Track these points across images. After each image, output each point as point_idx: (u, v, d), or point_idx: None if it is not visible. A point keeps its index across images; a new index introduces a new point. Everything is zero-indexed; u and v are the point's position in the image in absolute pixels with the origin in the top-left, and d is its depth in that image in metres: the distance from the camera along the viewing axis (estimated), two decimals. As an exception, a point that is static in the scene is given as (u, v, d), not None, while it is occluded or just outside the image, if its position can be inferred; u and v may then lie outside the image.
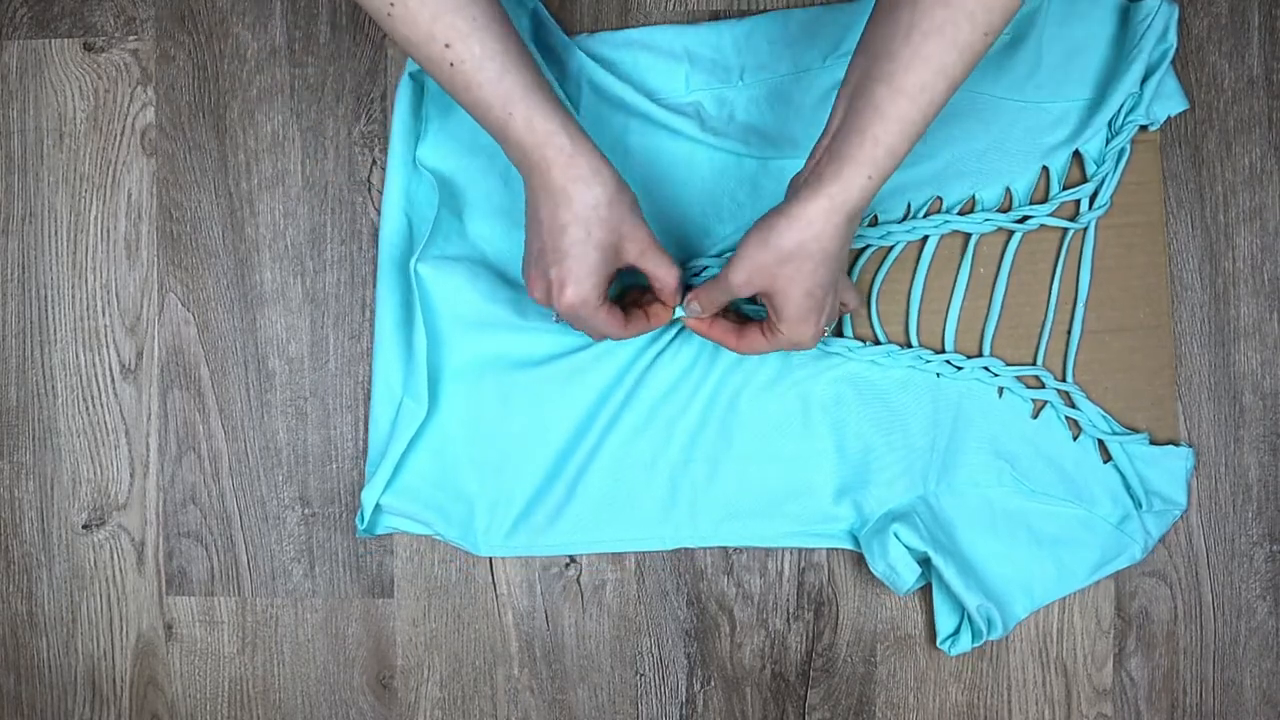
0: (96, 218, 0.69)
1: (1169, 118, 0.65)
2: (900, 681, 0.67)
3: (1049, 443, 0.65)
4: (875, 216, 0.66)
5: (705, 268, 0.62)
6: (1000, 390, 0.65)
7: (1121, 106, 0.63)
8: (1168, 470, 0.65)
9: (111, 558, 0.69)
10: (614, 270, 0.55)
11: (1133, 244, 0.65)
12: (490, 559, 0.68)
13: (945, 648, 0.64)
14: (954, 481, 0.65)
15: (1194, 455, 0.66)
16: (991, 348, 0.66)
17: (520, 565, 0.68)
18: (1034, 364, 0.65)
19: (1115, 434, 0.64)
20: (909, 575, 0.62)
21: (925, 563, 0.63)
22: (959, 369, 0.65)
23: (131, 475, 0.69)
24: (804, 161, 0.64)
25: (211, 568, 0.69)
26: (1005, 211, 0.65)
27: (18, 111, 0.69)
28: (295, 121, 0.68)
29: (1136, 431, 0.65)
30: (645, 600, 0.68)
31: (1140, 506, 0.64)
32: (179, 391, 0.69)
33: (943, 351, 0.65)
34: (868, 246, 0.65)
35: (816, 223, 0.50)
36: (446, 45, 0.50)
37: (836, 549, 0.67)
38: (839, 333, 0.66)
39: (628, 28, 0.67)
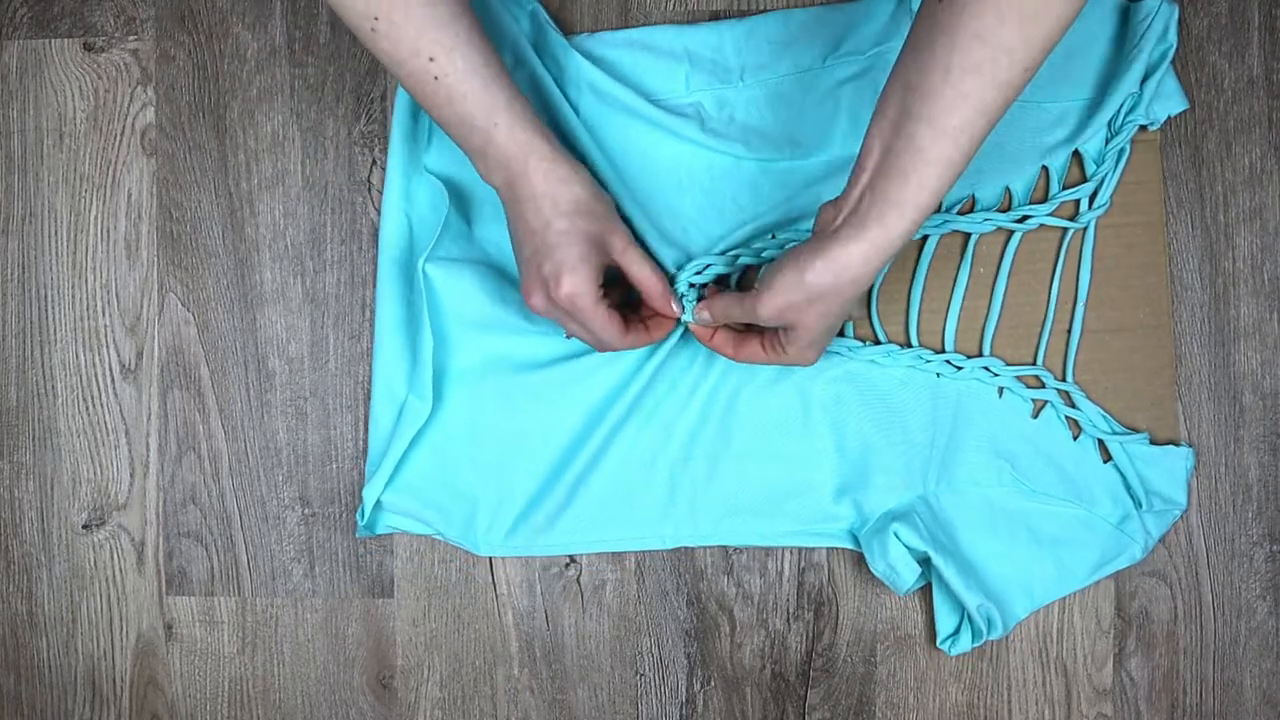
0: (96, 218, 0.69)
1: (1169, 117, 0.65)
2: (900, 681, 0.67)
3: (1049, 442, 0.65)
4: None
5: (708, 265, 0.62)
6: (1000, 390, 0.65)
7: (1121, 106, 0.63)
8: (1168, 470, 0.65)
9: (111, 558, 0.69)
10: (603, 264, 0.56)
11: (1132, 244, 0.65)
12: (490, 559, 0.68)
13: (945, 648, 0.64)
14: (954, 481, 0.65)
15: (1194, 455, 0.66)
16: (991, 347, 0.66)
17: (520, 565, 0.68)
18: (1034, 364, 0.65)
19: (1115, 434, 0.64)
20: (909, 575, 0.62)
21: (925, 562, 0.63)
22: (959, 369, 0.65)
23: (131, 475, 0.69)
24: (805, 161, 0.65)
25: (211, 568, 0.69)
26: (1004, 211, 0.65)
27: (18, 111, 0.69)
28: (295, 121, 0.68)
29: (1136, 431, 0.65)
30: (645, 600, 0.68)
31: (1140, 506, 0.65)
32: (179, 391, 0.69)
33: (942, 351, 0.66)
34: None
35: (855, 266, 0.49)
36: (431, 59, 0.51)
37: (836, 549, 0.67)
38: (840, 333, 0.66)
39: (628, 28, 0.67)
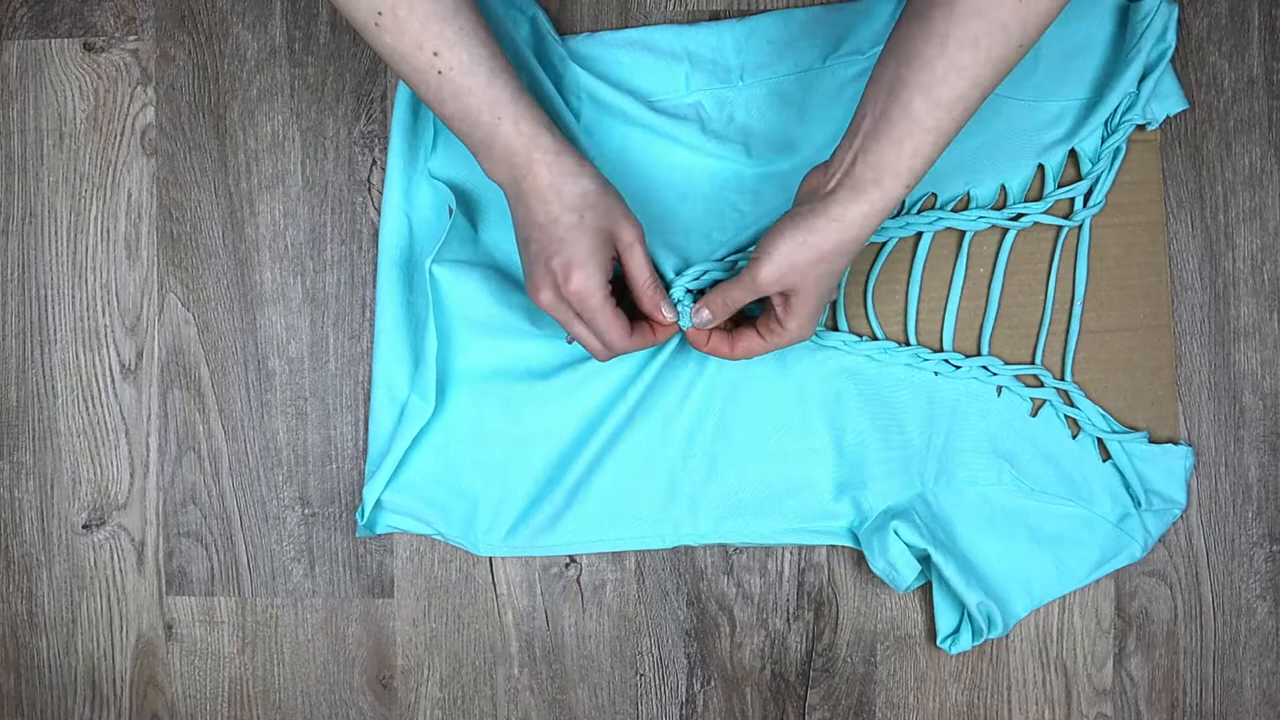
0: (96, 218, 0.69)
1: (1169, 117, 0.65)
2: (900, 681, 0.67)
3: (1048, 441, 0.65)
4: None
5: (706, 271, 0.62)
6: (999, 389, 0.65)
7: (1119, 105, 0.63)
8: (1167, 469, 0.65)
9: (111, 558, 0.69)
10: (612, 259, 0.55)
11: (1132, 243, 0.65)
12: (490, 559, 0.68)
13: (945, 646, 0.64)
14: (953, 480, 0.65)
15: (1193, 454, 0.66)
16: (990, 346, 0.66)
17: (520, 565, 0.68)
18: (1033, 363, 0.65)
19: (1114, 432, 0.64)
20: (909, 573, 0.62)
21: (925, 561, 0.63)
22: (957, 368, 0.65)
23: (131, 475, 0.69)
24: (806, 164, 0.65)
25: (211, 568, 0.69)
26: (999, 209, 0.65)
27: (18, 111, 0.69)
28: (295, 121, 0.68)
29: (1136, 430, 0.65)
30: (645, 600, 0.68)
31: (1139, 505, 0.65)
32: (179, 391, 0.69)
33: (940, 350, 0.66)
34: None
35: (856, 225, 0.51)
36: (435, 53, 0.50)
37: (836, 549, 0.67)
38: (833, 326, 0.66)
39: (627, 28, 0.67)
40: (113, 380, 0.69)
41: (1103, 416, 0.65)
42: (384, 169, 0.67)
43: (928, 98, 0.48)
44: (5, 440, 0.69)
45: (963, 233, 0.65)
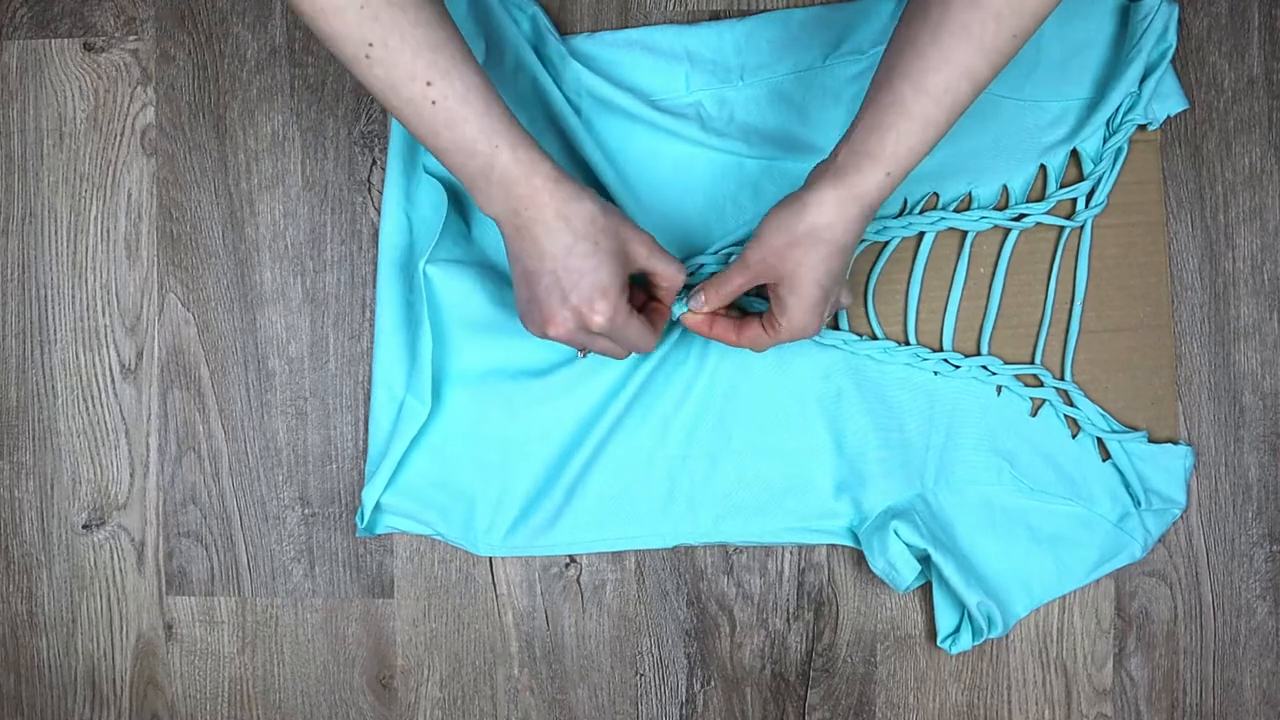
0: (96, 218, 0.69)
1: (1169, 117, 0.65)
2: (900, 681, 0.67)
3: (1048, 441, 0.65)
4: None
5: (701, 265, 0.62)
6: (998, 388, 0.65)
7: (1120, 106, 0.63)
8: (1167, 468, 0.65)
9: (111, 558, 0.69)
10: (628, 277, 0.55)
11: (1132, 243, 0.65)
12: (490, 559, 0.68)
13: (945, 646, 0.64)
14: (953, 479, 0.65)
15: (1193, 454, 0.66)
16: (990, 346, 0.66)
17: (520, 565, 0.68)
18: (1032, 363, 0.65)
19: (1114, 432, 0.64)
20: (909, 572, 0.62)
21: (925, 560, 0.63)
22: (956, 367, 0.65)
23: (131, 475, 0.69)
24: (806, 161, 0.65)
25: (211, 568, 0.69)
26: (1001, 209, 0.65)
27: (18, 111, 0.69)
28: (295, 121, 0.68)
29: (1135, 430, 0.65)
30: (645, 600, 0.68)
31: (1139, 505, 0.65)
32: (179, 391, 0.69)
33: (940, 350, 0.66)
34: (862, 240, 0.65)
35: (830, 210, 0.51)
36: (428, 83, 0.49)
37: (836, 548, 0.67)
38: (834, 325, 0.66)
39: (628, 28, 0.67)
40: (113, 380, 0.69)
41: (1102, 416, 0.65)
42: (384, 169, 0.67)
43: (916, 86, 0.48)
44: (5, 440, 0.69)
45: (964, 233, 0.65)
